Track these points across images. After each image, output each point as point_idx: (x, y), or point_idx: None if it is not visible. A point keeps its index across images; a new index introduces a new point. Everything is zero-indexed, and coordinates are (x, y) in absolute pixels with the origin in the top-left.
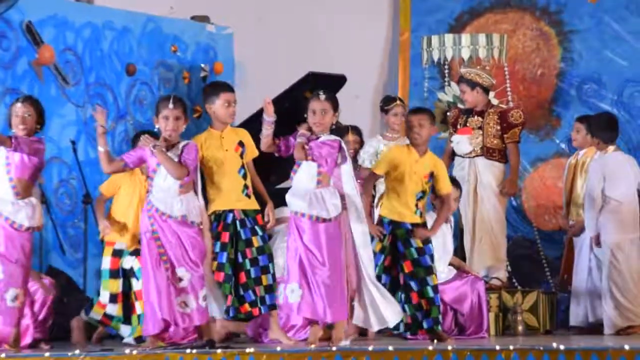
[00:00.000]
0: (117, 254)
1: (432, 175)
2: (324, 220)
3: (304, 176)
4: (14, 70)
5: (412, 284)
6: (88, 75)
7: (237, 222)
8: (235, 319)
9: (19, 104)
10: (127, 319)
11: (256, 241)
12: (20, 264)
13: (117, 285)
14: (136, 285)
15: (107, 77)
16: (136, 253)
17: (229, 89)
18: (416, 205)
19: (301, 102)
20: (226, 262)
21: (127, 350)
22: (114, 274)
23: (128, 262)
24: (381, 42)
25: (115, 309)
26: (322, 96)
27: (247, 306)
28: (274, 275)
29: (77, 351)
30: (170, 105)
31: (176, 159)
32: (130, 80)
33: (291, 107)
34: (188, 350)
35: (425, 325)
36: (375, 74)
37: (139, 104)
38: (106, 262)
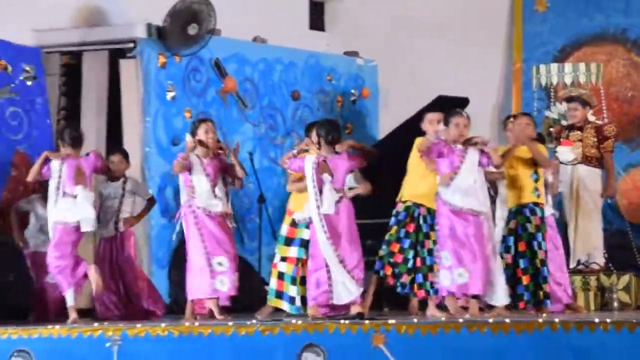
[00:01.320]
0: (294, 224)
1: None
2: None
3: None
4: (205, 97)
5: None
6: (262, 100)
7: (421, 217)
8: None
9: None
10: (294, 280)
11: (434, 235)
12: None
13: (286, 251)
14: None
15: (277, 102)
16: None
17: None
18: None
19: None
20: (408, 247)
21: (294, 320)
22: (288, 241)
23: (306, 233)
24: (498, 70)
25: (284, 267)
26: (465, 113)
27: (415, 287)
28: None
29: (254, 320)
30: None
31: None
32: (295, 104)
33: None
34: (342, 321)
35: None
36: (492, 96)
37: (302, 123)
38: (284, 230)
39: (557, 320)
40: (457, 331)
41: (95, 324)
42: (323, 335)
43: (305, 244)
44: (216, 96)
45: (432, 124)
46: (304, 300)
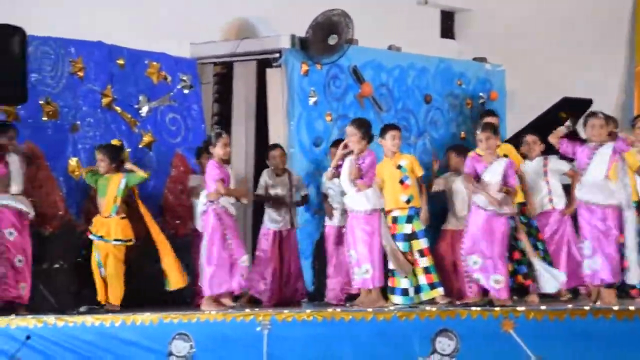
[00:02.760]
0: (395, 220)
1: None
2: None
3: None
4: (344, 101)
5: None
6: (397, 104)
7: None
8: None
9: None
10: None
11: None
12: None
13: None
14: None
15: (411, 105)
16: (409, 220)
17: None
18: None
19: (556, 121)
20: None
21: (428, 307)
22: (392, 238)
23: (407, 228)
24: (620, 72)
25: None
26: (601, 115)
27: (520, 277)
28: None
29: (390, 307)
30: None
31: None
32: (427, 107)
33: (547, 125)
34: (473, 308)
35: None
36: (615, 98)
37: (433, 125)
38: None
39: None
40: (583, 317)
41: (247, 310)
42: (455, 321)
43: (407, 238)
44: (354, 100)
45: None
46: (417, 289)
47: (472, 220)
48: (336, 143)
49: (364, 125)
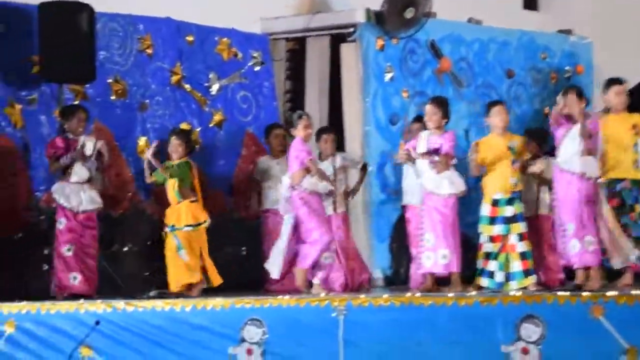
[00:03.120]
0: (495, 203)
1: None
2: None
3: None
4: (421, 77)
5: None
6: (477, 79)
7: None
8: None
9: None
10: (495, 256)
11: (638, 207)
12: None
13: (491, 230)
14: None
15: (492, 80)
16: (511, 202)
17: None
18: None
19: None
20: None
21: (512, 293)
22: (491, 220)
23: (508, 210)
24: None
25: (491, 247)
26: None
27: None
28: None
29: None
30: None
31: None
32: (509, 82)
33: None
34: (560, 292)
35: None
36: None
37: (516, 101)
38: (485, 209)
39: None
40: None
41: (322, 294)
42: (542, 307)
43: (507, 221)
44: (432, 76)
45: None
46: (509, 275)
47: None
48: (417, 119)
49: (444, 104)
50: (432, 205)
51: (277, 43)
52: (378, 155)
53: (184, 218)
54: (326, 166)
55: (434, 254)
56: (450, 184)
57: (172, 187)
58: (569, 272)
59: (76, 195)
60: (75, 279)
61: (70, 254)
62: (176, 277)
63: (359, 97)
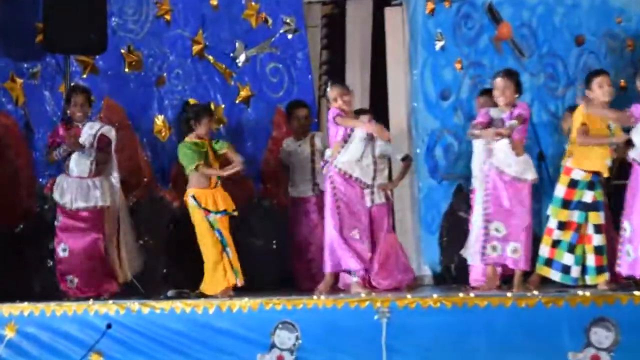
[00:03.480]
0: (573, 184)
1: None
2: None
3: None
4: (477, 45)
5: None
6: (541, 47)
7: None
8: None
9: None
10: (572, 248)
11: None
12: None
13: (565, 214)
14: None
15: (558, 48)
16: (591, 187)
17: None
18: None
19: None
20: None
21: (580, 291)
22: (566, 203)
23: (587, 196)
24: None
25: (560, 234)
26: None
27: None
28: None
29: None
30: None
31: None
32: (578, 50)
33: None
34: (636, 292)
35: None
36: None
37: (587, 71)
38: (560, 190)
39: None
40: None
41: (362, 294)
42: (615, 308)
43: (585, 208)
44: (489, 44)
45: None
46: (583, 270)
47: None
48: (484, 92)
49: (515, 75)
50: (510, 193)
51: (312, 7)
52: (427, 135)
53: (222, 203)
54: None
55: (502, 245)
56: (530, 168)
57: (215, 167)
58: None
59: (73, 190)
60: (72, 283)
61: (65, 255)
62: (218, 279)
63: (406, 69)
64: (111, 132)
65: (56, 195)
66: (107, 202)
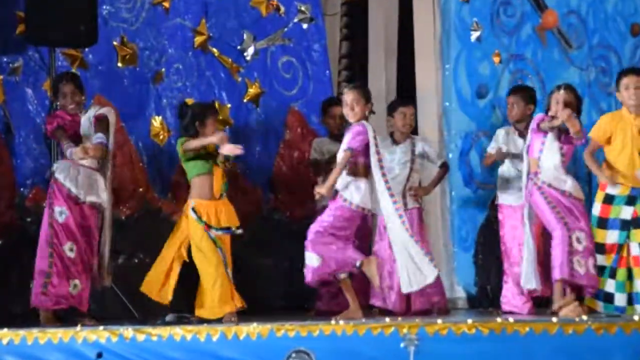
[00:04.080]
0: (609, 200)
1: None
2: None
3: None
4: (518, 36)
5: None
6: (591, 38)
7: None
8: None
9: None
10: (613, 273)
11: None
12: None
13: (603, 235)
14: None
15: (611, 39)
16: (631, 202)
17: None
18: None
19: None
20: None
21: (636, 317)
22: (602, 222)
23: (626, 212)
24: None
25: (600, 258)
26: None
27: None
28: None
29: (584, 317)
30: None
31: None
32: (634, 40)
33: None
34: None
35: None
36: None
37: None
38: (596, 209)
39: None
40: None
41: (387, 320)
42: None
43: (624, 226)
44: (533, 34)
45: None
46: (630, 298)
47: None
48: (517, 90)
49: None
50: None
51: None
52: (461, 138)
53: (225, 218)
54: (403, 151)
55: (584, 261)
56: (573, 182)
57: (220, 176)
58: None
59: (84, 181)
60: (76, 288)
61: (72, 254)
62: (220, 302)
63: (437, 64)
64: (110, 113)
65: (67, 183)
66: (105, 203)
